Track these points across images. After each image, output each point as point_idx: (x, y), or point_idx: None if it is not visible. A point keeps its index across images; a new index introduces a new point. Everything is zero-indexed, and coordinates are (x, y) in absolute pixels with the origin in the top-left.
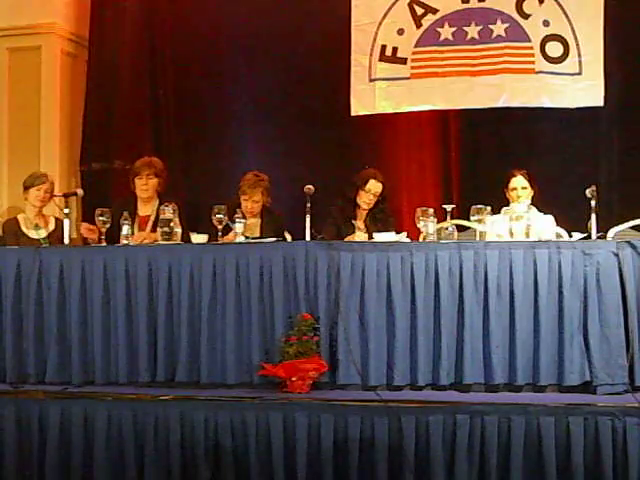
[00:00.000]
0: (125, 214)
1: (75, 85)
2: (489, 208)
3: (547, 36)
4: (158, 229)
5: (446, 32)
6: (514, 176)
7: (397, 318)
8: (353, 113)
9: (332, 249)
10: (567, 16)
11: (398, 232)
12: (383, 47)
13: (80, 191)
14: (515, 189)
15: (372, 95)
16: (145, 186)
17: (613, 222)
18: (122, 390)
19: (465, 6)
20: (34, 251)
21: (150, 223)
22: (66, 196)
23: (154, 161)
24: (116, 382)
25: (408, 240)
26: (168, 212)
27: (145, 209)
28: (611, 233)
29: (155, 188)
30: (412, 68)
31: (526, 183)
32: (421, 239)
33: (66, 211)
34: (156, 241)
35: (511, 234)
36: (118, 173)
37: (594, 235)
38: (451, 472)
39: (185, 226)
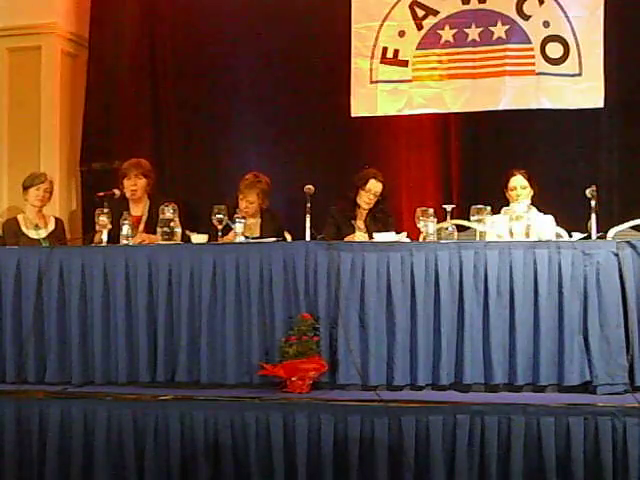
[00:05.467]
0: (125, 214)
1: (75, 85)
2: (489, 208)
3: (547, 37)
4: (158, 229)
5: (447, 34)
6: (513, 175)
7: (397, 318)
8: (353, 114)
9: (332, 249)
10: (567, 17)
11: (398, 232)
12: (384, 49)
13: (117, 191)
14: (514, 188)
15: (374, 97)
16: (134, 187)
17: (613, 222)
18: (122, 390)
19: (465, 7)
20: (34, 251)
21: (142, 224)
22: (104, 197)
23: (142, 162)
24: (116, 382)
25: (408, 240)
26: (168, 212)
27: (136, 210)
28: (611, 233)
29: (144, 189)
30: (414, 70)
31: (525, 182)
32: (421, 239)
33: (105, 211)
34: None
35: (511, 234)
36: (118, 173)
37: (594, 235)
38: (451, 472)
39: (185, 226)
